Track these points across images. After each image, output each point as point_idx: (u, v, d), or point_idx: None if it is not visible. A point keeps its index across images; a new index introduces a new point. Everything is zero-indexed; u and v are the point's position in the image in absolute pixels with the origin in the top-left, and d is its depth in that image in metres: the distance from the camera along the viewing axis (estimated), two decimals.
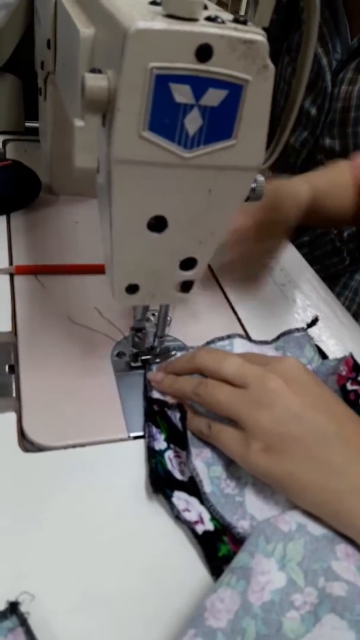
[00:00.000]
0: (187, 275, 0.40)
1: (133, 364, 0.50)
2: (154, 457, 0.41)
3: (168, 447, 0.42)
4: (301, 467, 0.36)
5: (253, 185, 0.38)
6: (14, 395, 0.45)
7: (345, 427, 0.38)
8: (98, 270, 0.59)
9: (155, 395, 0.46)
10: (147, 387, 0.47)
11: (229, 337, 0.52)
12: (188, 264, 0.39)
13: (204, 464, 0.41)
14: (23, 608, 0.31)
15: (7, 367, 0.47)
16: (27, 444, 0.42)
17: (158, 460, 0.41)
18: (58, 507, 0.38)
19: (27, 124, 0.88)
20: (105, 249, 0.40)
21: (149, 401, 0.45)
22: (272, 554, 0.34)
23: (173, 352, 0.51)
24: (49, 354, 0.49)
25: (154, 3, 0.31)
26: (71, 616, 0.33)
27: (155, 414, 0.44)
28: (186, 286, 0.41)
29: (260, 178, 0.41)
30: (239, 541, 0.36)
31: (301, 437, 0.37)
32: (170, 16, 0.29)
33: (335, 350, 0.56)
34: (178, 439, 0.43)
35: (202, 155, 0.32)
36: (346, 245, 0.93)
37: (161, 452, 0.42)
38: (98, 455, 0.42)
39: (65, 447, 0.42)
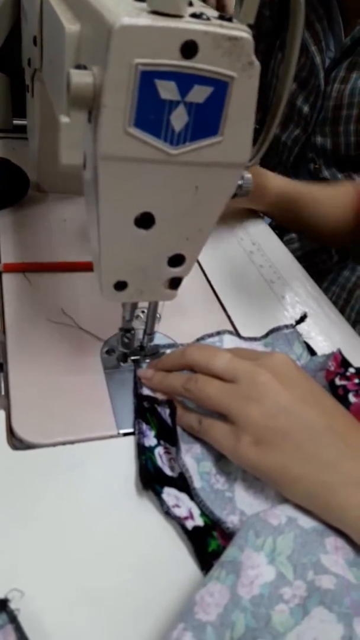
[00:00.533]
0: (176, 271, 0.40)
1: (123, 364, 0.50)
2: (144, 453, 0.41)
3: (158, 444, 0.42)
4: (291, 460, 0.37)
5: (240, 181, 0.38)
6: (2, 393, 0.45)
7: (335, 421, 0.38)
8: (87, 267, 0.59)
9: (145, 392, 0.46)
10: (137, 384, 0.47)
11: (218, 333, 0.53)
12: (176, 260, 0.39)
13: (193, 460, 0.41)
14: (13, 605, 0.31)
15: None
16: (16, 441, 0.42)
17: (148, 457, 0.41)
18: (47, 504, 0.38)
19: (15, 122, 0.88)
20: (92, 246, 0.40)
21: (139, 398, 0.45)
22: (262, 548, 0.34)
23: (162, 351, 0.51)
24: (38, 352, 0.49)
25: None
26: (61, 613, 0.33)
27: (145, 410, 0.44)
28: (175, 283, 0.42)
29: (247, 175, 0.41)
30: (228, 536, 0.36)
31: (291, 430, 0.37)
32: (155, 12, 0.29)
33: (323, 346, 0.57)
34: (168, 436, 0.43)
35: (188, 151, 0.32)
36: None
37: (151, 449, 0.42)
38: (87, 453, 0.42)
39: (54, 445, 0.42)
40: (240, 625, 0.31)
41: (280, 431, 0.37)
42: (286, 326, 0.55)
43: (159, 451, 0.42)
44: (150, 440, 0.43)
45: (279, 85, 0.36)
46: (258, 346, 0.54)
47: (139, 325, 0.50)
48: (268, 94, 0.95)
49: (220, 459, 0.42)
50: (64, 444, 0.42)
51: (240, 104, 0.31)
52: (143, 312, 0.51)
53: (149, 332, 0.49)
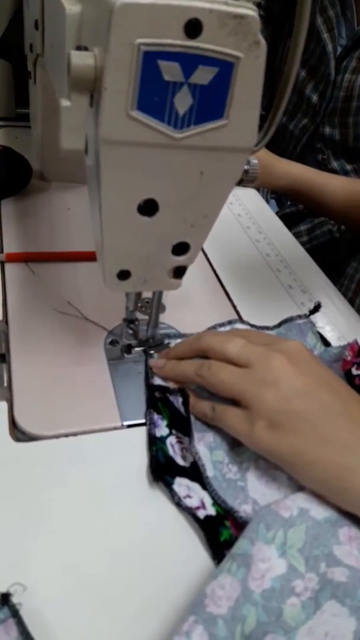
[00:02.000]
0: (180, 260, 0.39)
1: (127, 355, 0.49)
2: (155, 444, 0.41)
3: (170, 433, 0.42)
4: (307, 443, 0.36)
5: (246, 167, 0.37)
6: (5, 384, 0.44)
7: (351, 406, 0.38)
8: (90, 257, 0.58)
9: (157, 382, 0.45)
10: (149, 374, 0.46)
11: (229, 322, 0.52)
12: (180, 248, 0.39)
13: (206, 448, 0.41)
14: (15, 599, 0.30)
15: None
16: (18, 433, 0.41)
17: (159, 447, 0.40)
18: (50, 496, 0.38)
19: (18, 111, 0.87)
20: (95, 234, 0.39)
21: (150, 388, 0.45)
22: (273, 541, 0.33)
23: (167, 342, 0.50)
24: (41, 342, 0.48)
25: None
26: (64, 607, 0.32)
27: (156, 400, 0.44)
28: (179, 272, 0.41)
29: (254, 160, 0.40)
30: (241, 525, 0.36)
31: (306, 414, 0.37)
32: None
33: (331, 336, 0.56)
34: (180, 425, 0.42)
35: (193, 135, 0.31)
36: (344, 237, 0.93)
37: (162, 439, 0.41)
38: (91, 444, 0.41)
39: (57, 437, 0.41)
40: (251, 619, 0.30)
41: (295, 414, 0.37)
42: (299, 316, 0.54)
43: (171, 440, 0.41)
44: (162, 430, 0.42)
45: (286, 64, 0.34)
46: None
47: (143, 316, 0.49)
48: (276, 81, 0.93)
49: (233, 448, 0.41)
50: (66, 435, 0.41)
51: (247, 85, 0.30)
52: (147, 302, 0.50)
53: (154, 323, 0.48)
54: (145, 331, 0.49)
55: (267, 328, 0.54)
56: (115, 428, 0.43)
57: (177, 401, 0.44)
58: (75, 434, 0.41)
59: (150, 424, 0.42)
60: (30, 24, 0.57)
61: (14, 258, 0.57)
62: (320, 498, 0.36)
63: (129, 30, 0.27)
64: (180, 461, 0.40)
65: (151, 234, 0.36)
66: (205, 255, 0.65)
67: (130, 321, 0.48)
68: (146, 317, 0.48)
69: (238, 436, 0.39)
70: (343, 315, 0.60)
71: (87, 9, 0.34)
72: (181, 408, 0.43)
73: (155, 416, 0.43)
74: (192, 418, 0.42)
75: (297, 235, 0.92)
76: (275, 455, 0.37)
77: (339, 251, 0.93)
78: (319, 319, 0.58)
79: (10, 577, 0.32)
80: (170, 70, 0.29)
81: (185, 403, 0.43)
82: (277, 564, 0.32)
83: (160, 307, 0.48)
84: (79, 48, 0.30)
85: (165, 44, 0.28)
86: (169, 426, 0.43)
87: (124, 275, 0.39)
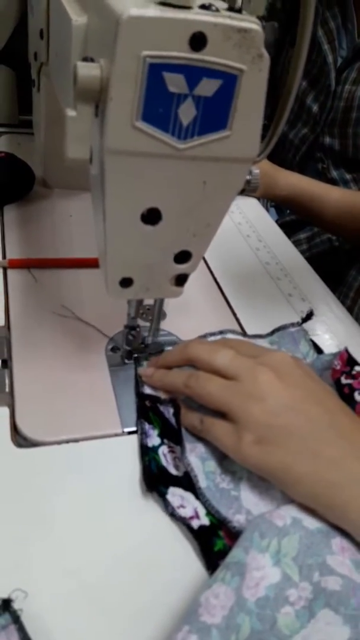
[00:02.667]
0: (182, 268, 0.40)
1: (127, 362, 0.49)
2: (147, 454, 0.41)
3: (162, 443, 0.42)
4: (294, 458, 0.36)
5: (248, 177, 0.38)
6: (7, 390, 0.44)
7: (339, 419, 0.38)
8: (91, 264, 0.58)
9: (147, 390, 0.45)
10: (138, 382, 0.46)
11: (221, 332, 0.52)
12: (182, 257, 0.39)
13: (198, 459, 0.41)
14: (16, 605, 0.31)
15: (0, 362, 0.47)
16: (20, 439, 0.41)
17: (151, 457, 0.41)
18: (51, 502, 0.38)
19: (21, 117, 0.87)
20: (98, 242, 0.39)
21: (140, 397, 0.45)
22: (267, 550, 0.33)
23: (167, 349, 0.50)
24: (43, 349, 0.49)
25: None
26: (65, 613, 0.32)
27: (147, 409, 0.44)
28: (181, 280, 0.41)
29: (256, 170, 0.41)
30: (234, 535, 0.36)
31: (294, 429, 0.37)
32: (163, 4, 0.28)
33: (330, 344, 0.56)
34: (172, 434, 0.43)
35: (196, 146, 0.32)
36: (343, 245, 0.93)
37: (154, 449, 0.41)
38: (92, 451, 0.41)
39: (58, 443, 0.41)
40: (245, 627, 0.30)
41: (283, 429, 0.37)
42: (292, 324, 0.55)
43: (163, 450, 0.42)
44: (154, 439, 0.42)
45: (289, 77, 0.35)
46: (263, 343, 0.53)
47: (144, 323, 0.49)
48: (277, 90, 0.94)
49: (225, 458, 0.41)
50: (67, 441, 0.41)
51: (250, 97, 0.31)
52: (148, 309, 0.50)
53: (154, 330, 0.49)
54: (145, 338, 0.49)
55: (259, 336, 0.54)
56: (116, 435, 0.43)
57: (168, 412, 0.44)
58: (76, 440, 0.42)
59: (142, 434, 0.42)
60: (34, 32, 0.57)
61: (17, 264, 0.57)
62: (312, 510, 0.36)
63: (135, 42, 0.28)
64: (173, 471, 0.40)
65: (154, 242, 0.37)
66: (206, 263, 0.66)
67: (131, 328, 0.48)
68: (147, 324, 0.49)
69: (225, 450, 0.39)
70: (342, 323, 0.60)
71: (93, 20, 0.34)
72: (172, 419, 0.43)
73: (147, 426, 0.43)
74: (183, 429, 0.42)
75: (296, 244, 0.93)
76: (263, 470, 0.37)
77: (339, 260, 0.93)
78: (317, 327, 0.58)
79: (11, 583, 0.32)
80: (175, 82, 0.29)
81: (177, 414, 0.43)
82: (271, 573, 0.32)
83: (161, 315, 0.48)
84: (85, 59, 0.30)
85: (170, 56, 0.28)
86: (161, 435, 0.43)
87: (126, 282, 0.39)
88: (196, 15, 0.28)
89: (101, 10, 0.31)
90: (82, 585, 0.34)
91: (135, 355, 0.49)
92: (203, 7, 0.29)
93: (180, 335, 0.53)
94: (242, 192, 0.38)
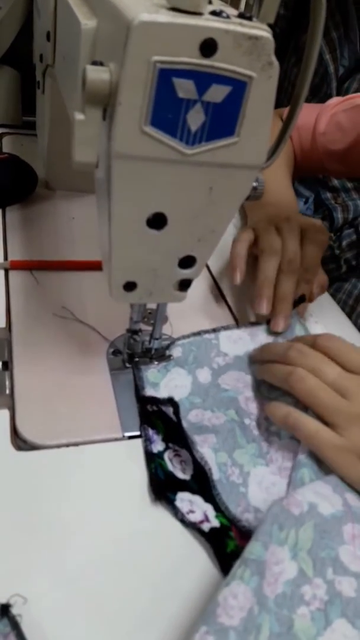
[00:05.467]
0: (186, 273, 0.40)
1: (129, 366, 0.49)
2: (152, 461, 0.41)
3: (167, 448, 0.42)
4: None
5: (254, 184, 0.38)
6: (7, 392, 0.44)
7: None
8: (94, 266, 0.58)
9: (148, 392, 0.45)
10: (139, 386, 0.46)
11: (214, 330, 0.52)
12: (187, 262, 0.39)
13: (211, 450, 0.41)
14: (15, 611, 0.30)
15: (0, 364, 0.46)
16: (20, 442, 0.41)
17: (157, 464, 0.40)
18: (51, 507, 0.37)
19: (24, 118, 0.87)
20: (103, 245, 0.39)
21: (141, 401, 0.45)
22: (286, 542, 0.34)
23: (169, 353, 0.50)
24: (44, 351, 0.48)
25: None
26: (64, 619, 0.32)
27: (150, 414, 0.44)
28: (184, 285, 0.41)
29: (261, 177, 0.41)
30: (245, 535, 0.36)
31: None
32: (174, 9, 0.28)
33: None
34: (176, 436, 0.42)
35: (203, 152, 0.32)
36: (344, 254, 0.93)
37: (160, 454, 0.41)
38: (92, 455, 0.41)
39: (58, 446, 0.41)
40: (265, 628, 0.30)
41: None
42: None
43: (169, 455, 0.41)
44: (158, 445, 0.42)
45: (297, 87, 0.35)
46: (259, 331, 0.53)
47: (145, 327, 0.49)
48: (279, 98, 0.94)
49: (235, 450, 0.41)
50: (68, 445, 0.41)
51: (258, 104, 0.31)
52: (150, 312, 0.50)
53: (156, 335, 0.48)
54: (147, 342, 0.49)
55: (255, 323, 0.54)
56: (116, 439, 0.43)
57: (169, 411, 0.44)
58: (76, 444, 0.41)
59: (146, 440, 0.42)
60: (40, 34, 0.57)
61: (19, 266, 0.57)
62: (328, 492, 0.36)
63: (146, 47, 0.28)
64: (180, 475, 0.40)
65: (159, 247, 0.37)
66: (207, 267, 0.66)
67: (133, 332, 0.48)
68: (149, 327, 0.49)
69: (339, 472, 0.39)
70: (340, 325, 0.60)
71: (103, 24, 0.34)
72: (174, 417, 0.43)
73: (150, 431, 0.43)
74: (186, 425, 0.42)
75: None
76: None
77: (339, 267, 0.93)
78: (318, 329, 0.58)
79: (10, 588, 0.32)
80: (185, 88, 0.29)
81: (176, 413, 0.43)
82: (289, 567, 0.33)
83: (163, 319, 0.48)
84: (94, 63, 0.30)
85: (180, 62, 0.28)
86: (165, 440, 0.42)
87: (130, 286, 0.39)
88: (207, 22, 0.28)
89: (111, 15, 0.31)
90: (82, 590, 0.34)
91: (136, 359, 0.49)
92: (214, 13, 0.29)
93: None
94: (247, 199, 0.38)
